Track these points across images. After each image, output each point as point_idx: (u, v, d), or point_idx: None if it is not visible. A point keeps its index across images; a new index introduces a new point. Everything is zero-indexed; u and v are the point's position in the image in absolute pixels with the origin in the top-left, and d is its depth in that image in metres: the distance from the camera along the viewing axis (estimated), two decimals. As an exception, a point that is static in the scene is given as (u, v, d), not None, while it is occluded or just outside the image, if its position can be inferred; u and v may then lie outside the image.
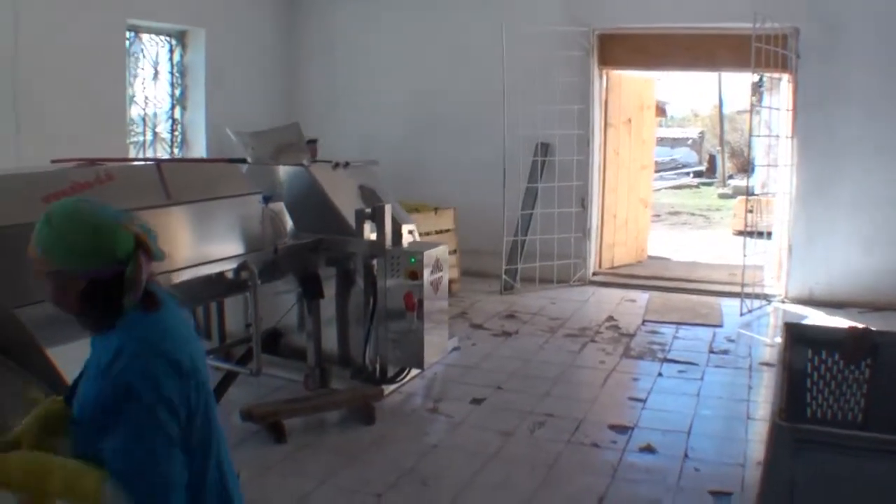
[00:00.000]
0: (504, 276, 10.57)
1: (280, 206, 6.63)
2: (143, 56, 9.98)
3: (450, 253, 10.01)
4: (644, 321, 9.32)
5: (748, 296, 9.58)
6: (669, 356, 8.05)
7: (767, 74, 10.47)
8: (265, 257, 6.14)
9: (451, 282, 10.05)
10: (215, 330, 7.52)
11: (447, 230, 10.39)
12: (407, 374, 7.07)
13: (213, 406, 2.45)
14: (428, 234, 9.73)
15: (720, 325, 9.20)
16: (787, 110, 10.15)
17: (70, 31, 8.34)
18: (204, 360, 2.48)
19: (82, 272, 2.26)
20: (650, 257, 12.87)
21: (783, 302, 10.16)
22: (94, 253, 2.26)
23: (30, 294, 2.79)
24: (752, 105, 11.43)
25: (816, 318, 9.30)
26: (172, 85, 10.49)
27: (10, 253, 2.29)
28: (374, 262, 6.80)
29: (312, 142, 10.19)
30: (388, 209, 6.82)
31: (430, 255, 6.78)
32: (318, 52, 12.20)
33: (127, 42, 9.51)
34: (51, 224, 2.27)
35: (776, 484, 3.11)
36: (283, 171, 7.25)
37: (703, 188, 28.62)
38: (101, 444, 2.19)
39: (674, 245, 14.89)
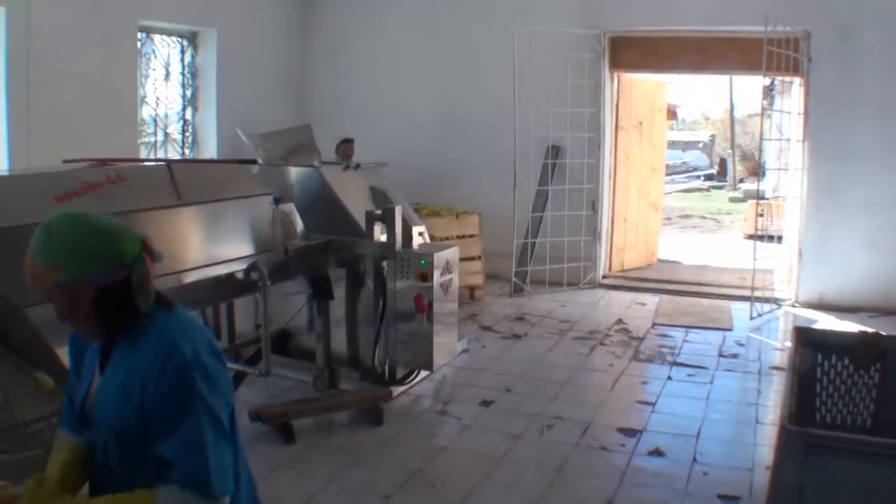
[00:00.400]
0: (514, 279, 10.57)
1: (290, 208, 6.64)
2: (155, 57, 10.01)
3: (474, 259, 10.00)
4: (654, 324, 9.31)
5: (758, 300, 9.55)
6: (679, 360, 8.04)
7: (779, 78, 10.45)
8: (275, 258, 6.15)
9: (473, 288, 9.97)
10: (225, 330, 7.53)
11: (471, 235, 10.21)
12: (416, 375, 7.07)
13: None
14: (447, 238, 9.52)
15: (730, 329, 9.17)
16: (799, 114, 10.12)
17: (82, 32, 8.37)
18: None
19: (90, 280, 2.20)
20: (660, 261, 12.84)
21: (793, 306, 10.13)
22: (102, 257, 2.21)
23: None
24: (763, 108, 11.42)
25: (826, 322, 9.27)
26: (184, 86, 10.52)
27: (21, 252, 2.27)
28: (384, 263, 6.80)
29: (348, 141, 10.22)
30: (398, 211, 6.82)
31: (440, 257, 6.77)
32: (330, 53, 12.22)
33: (138, 43, 9.54)
34: (51, 233, 2.21)
35: (785, 488, 3.11)
36: (294, 172, 7.26)
37: (714, 191, 28.59)
38: (163, 446, 2.19)
39: (684, 248, 14.85)
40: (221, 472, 2.21)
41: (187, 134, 10.62)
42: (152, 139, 10.08)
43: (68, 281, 2.19)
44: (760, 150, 12.27)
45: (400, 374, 6.97)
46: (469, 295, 9.98)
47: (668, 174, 23.03)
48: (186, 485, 2.16)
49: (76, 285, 2.20)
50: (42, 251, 2.20)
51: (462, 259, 9.08)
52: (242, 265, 5.79)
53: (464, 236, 9.97)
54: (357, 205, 7.11)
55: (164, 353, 2.21)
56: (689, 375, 7.58)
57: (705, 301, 10.47)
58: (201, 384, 2.20)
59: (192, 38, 10.50)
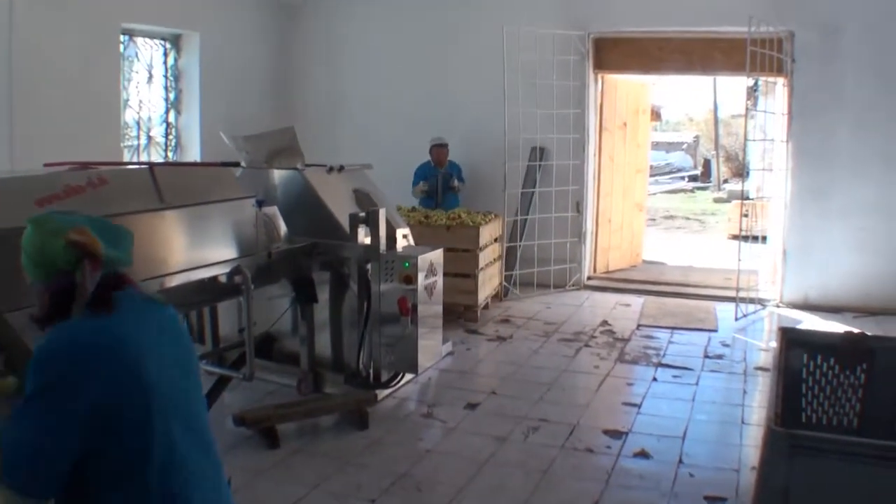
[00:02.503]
0: (504, 283, 10.51)
1: (274, 210, 6.61)
2: (138, 59, 9.97)
3: (468, 277, 9.20)
4: (639, 326, 9.31)
5: (743, 300, 9.57)
6: (664, 361, 8.04)
7: (763, 78, 10.48)
8: (259, 261, 6.11)
9: (465, 307, 9.27)
10: (209, 334, 7.50)
11: (465, 250, 9.19)
12: (401, 378, 7.04)
13: (170, 431, 2.35)
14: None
15: (715, 330, 9.19)
16: (783, 114, 10.16)
17: (65, 35, 8.33)
18: (167, 370, 2.39)
19: (43, 284, 2.37)
20: (645, 261, 12.87)
21: (778, 306, 10.16)
22: (40, 265, 2.36)
23: (22, 298, 2.79)
24: (747, 109, 11.44)
25: (811, 322, 9.30)
26: (167, 88, 10.47)
27: (3, 256, 2.30)
28: (368, 266, 6.78)
29: (439, 146, 10.42)
30: (382, 213, 6.79)
31: (424, 260, 6.76)
32: (313, 55, 12.18)
33: (121, 46, 9.50)
34: (23, 241, 2.39)
35: (771, 489, 3.10)
36: (277, 174, 7.23)
37: (698, 192, 28.72)
38: None
39: (669, 249, 14.88)
40: (12, 461, 2.18)
41: (170, 137, 10.57)
42: (135, 142, 10.04)
43: (31, 284, 2.39)
44: (744, 151, 12.31)
45: (385, 377, 6.95)
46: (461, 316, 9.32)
47: (652, 175, 23.08)
48: None
49: (38, 288, 2.37)
50: (22, 259, 2.40)
51: (455, 275, 8.67)
52: (226, 269, 5.75)
53: (456, 250, 8.95)
54: (341, 207, 7.08)
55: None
56: (675, 377, 7.58)
57: (690, 302, 10.48)
58: (37, 378, 2.21)
59: (175, 41, 10.46)
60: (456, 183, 10.64)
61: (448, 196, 10.68)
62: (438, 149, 10.65)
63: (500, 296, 10.37)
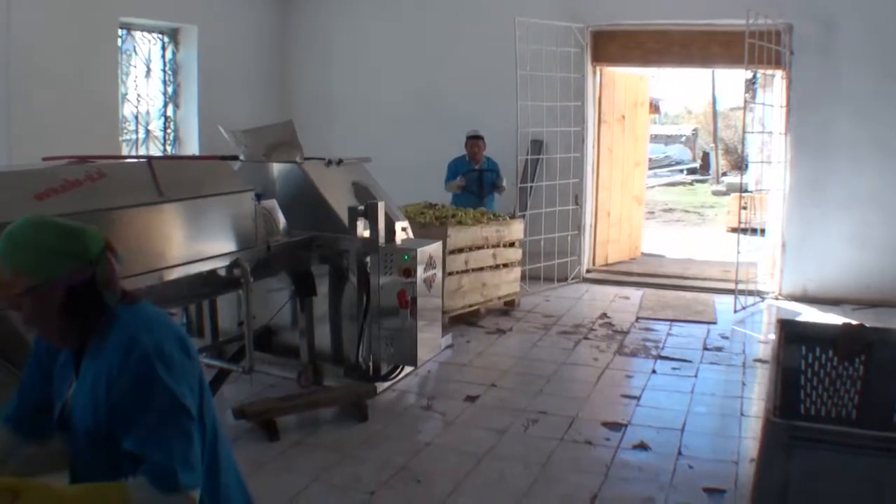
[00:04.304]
0: (521, 284, 10.02)
1: (273, 204, 6.60)
2: (136, 53, 9.96)
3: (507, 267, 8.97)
4: (638, 318, 9.31)
5: (742, 293, 9.57)
6: (663, 353, 8.04)
7: (761, 71, 10.47)
8: (258, 255, 6.11)
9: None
10: (208, 328, 7.49)
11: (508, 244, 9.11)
12: (400, 371, 7.05)
13: (212, 405, 2.48)
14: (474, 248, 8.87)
15: (714, 322, 9.19)
16: (781, 107, 10.14)
17: (62, 29, 8.32)
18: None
19: (58, 280, 2.21)
20: (644, 254, 12.88)
21: (777, 299, 10.17)
22: (68, 255, 2.22)
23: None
24: (745, 102, 11.46)
25: (810, 314, 9.31)
26: (165, 82, 10.46)
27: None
28: (368, 259, 6.77)
29: (474, 137, 10.14)
30: (381, 206, 6.78)
31: (423, 253, 6.75)
32: (312, 48, 12.17)
33: (119, 40, 9.49)
34: (13, 239, 2.21)
35: (770, 481, 3.10)
36: (276, 168, 7.21)
37: (697, 185, 28.72)
38: (128, 439, 2.17)
39: (668, 242, 14.89)
40: (188, 462, 2.18)
41: (169, 131, 10.56)
42: (134, 136, 10.03)
43: (38, 284, 2.19)
44: (743, 144, 12.30)
45: (384, 369, 6.95)
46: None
47: (651, 168, 23.07)
48: (153, 476, 2.12)
49: (46, 288, 2.20)
50: (8, 258, 2.19)
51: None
52: (225, 262, 5.75)
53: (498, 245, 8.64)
54: (340, 200, 7.07)
55: (125, 348, 2.21)
56: (674, 369, 7.59)
57: (689, 294, 10.49)
58: (163, 374, 2.18)
59: (173, 35, 10.45)
60: (504, 183, 10.24)
61: (490, 196, 10.30)
62: (473, 140, 10.22)
63: (515, 303, 9.73)
